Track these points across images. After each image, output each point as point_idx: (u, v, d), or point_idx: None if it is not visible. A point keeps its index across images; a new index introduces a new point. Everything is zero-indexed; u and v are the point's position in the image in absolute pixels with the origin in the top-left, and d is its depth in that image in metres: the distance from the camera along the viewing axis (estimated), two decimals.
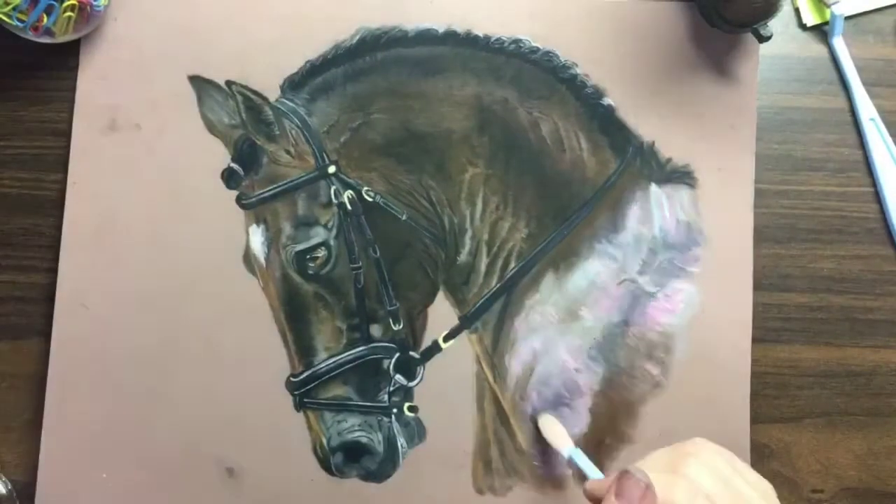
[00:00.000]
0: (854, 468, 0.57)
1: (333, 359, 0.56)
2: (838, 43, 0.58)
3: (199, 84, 0.58)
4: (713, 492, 0.43)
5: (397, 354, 0.57)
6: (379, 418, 0.56)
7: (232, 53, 0.59)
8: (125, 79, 0.59)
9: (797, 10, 0.59)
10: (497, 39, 0.58)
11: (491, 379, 0.57)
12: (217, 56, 0.59)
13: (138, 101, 0.59)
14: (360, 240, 0.57)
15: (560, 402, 0.57)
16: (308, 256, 0.56)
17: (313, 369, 0.56)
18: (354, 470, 0.57)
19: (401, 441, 0.56)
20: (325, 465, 0.57)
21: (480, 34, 0.58)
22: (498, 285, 0.57)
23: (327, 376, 0.56)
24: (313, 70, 0.58)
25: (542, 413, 0.56)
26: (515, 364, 0.57)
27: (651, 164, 0.57)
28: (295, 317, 0.57)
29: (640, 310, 0.57)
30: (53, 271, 0.58)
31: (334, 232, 0.57)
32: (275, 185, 0.57)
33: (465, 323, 0.57)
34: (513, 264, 0.57)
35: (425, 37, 0.58)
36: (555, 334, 0.57)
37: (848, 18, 0.58)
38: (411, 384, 0.57)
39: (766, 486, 0.45)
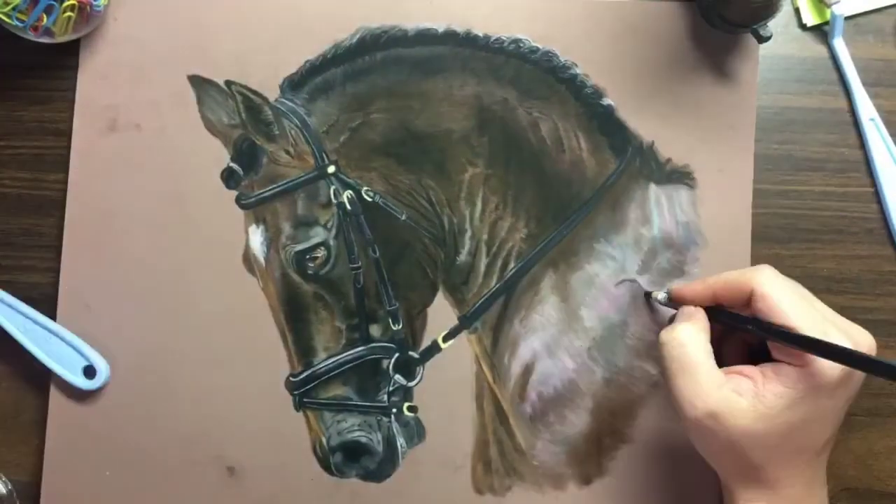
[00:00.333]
0: (854, 468, 0.57)
1: (333, 359, 0.56)
2: (838, 43, 0.58)
3: (199, 84, 0.58)
4: (804, 293, 0.48)
5: (397, 354, 0.57)
6: (378, 418, 0.56)
7: (232, 53, 0.59)
8: (125, 79, 0.59)
9: (797, 11, 0.59)
10: (497, 39, 0.58)
11: (490, 379, 0.57)
12: (217, 56, 0.59)
13: (138, 101, 0.59)
14: (360, 240, 0.57)
15: (559, 402, 0.57)
16: (307, 256, 0.56)
17: (313, 369, 0.56)
18: (354, 470, 0.57)
19: (400, 441, 0.56)
20: (325, 464, 0.57)
21: (480, 34, 0.58)
22: (497, 285, 0.57)
23: (327, 376, 0.56)
24: (313, 70, 0.58)
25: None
26: (515, 364, 0.57)
27: (650, 164, 0.57)
28: (294, 317, 0.57)
29: (640, 310, 0.57)
30: (54, 271, 0.58)
31: (334, 232, 0.57)
32: (274, 185, 0.57)
33: (465, 323, 0.57)
34: (512, 264, 0.57)
35: (425, 36, 0.58)
36: (554, 334, 0.57)
37: (848, 18, 0.58)
38: (411, 384, 0.57)
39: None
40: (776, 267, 0.57)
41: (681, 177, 0.57)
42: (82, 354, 0.57)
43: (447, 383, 0.57)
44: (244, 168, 0.58)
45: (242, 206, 0.58)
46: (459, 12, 0.58)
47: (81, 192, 0.59)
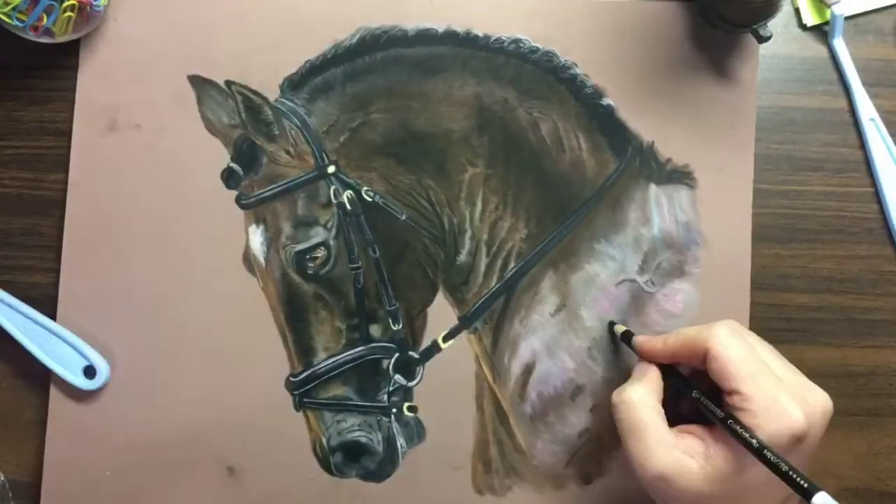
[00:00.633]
0: (854, 468, 0.57)
1: (333, 359, 0.56)
2: (838, 43, 0.58)
3: (199, 84, 0.58)
4: (760, 351, 0.47)
5: (397, 354, 0.57)
6: (378, 418, 0.56)
7: (232, 53, 0.59)
8: (125, 79, 0.59)
9: (797, 11, 0.59)
10: (497, 39, 0.58)
11: (490, 379, 0.57)
12: (217, 56, 0.59)
13: (138, 101, 0.59)
14: (360, 240, 0.57)
15: (560, 401, 0.57)
16: (307, 256, 0.56)
17: (313, 369, 0.56)
18: (354, 469, 0.57)
19: (400, 441, 0.56)
20: (325, 464, 0.57)
21: (480, 34, 0.58)
22: (497, 285, 0.57)
23: (327, 376, 0.56)
24: (313, 70, 0.58)
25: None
26: (515, 364, 0.57)
27: (650, 164, 0.57)
28: (294, 317, 0.57)
29: (640, 310, 0.57)
30: (54, 271, 0.58)
31: (334, 232, 0.57)
32: (274, 185, 0.57)
33: (465, 323, 0.57)
34: (512, 264, 0.57)
35: (425, 36, 0.58)
36: (554, 334, 0.57)
37: (848, 19, 0.58)
38: (411, 384, 0.57)
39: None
40: (776, 267, 0.57)
41: (681, 177, 0.57)
42: (82, 354, 0.57)
43: (447, 383, 0.57)
44: (244, 168, 0.58)
45: (242, 206, 0.58)
46: (459, 12, 0.58)
47: (81, 192, 0.59)
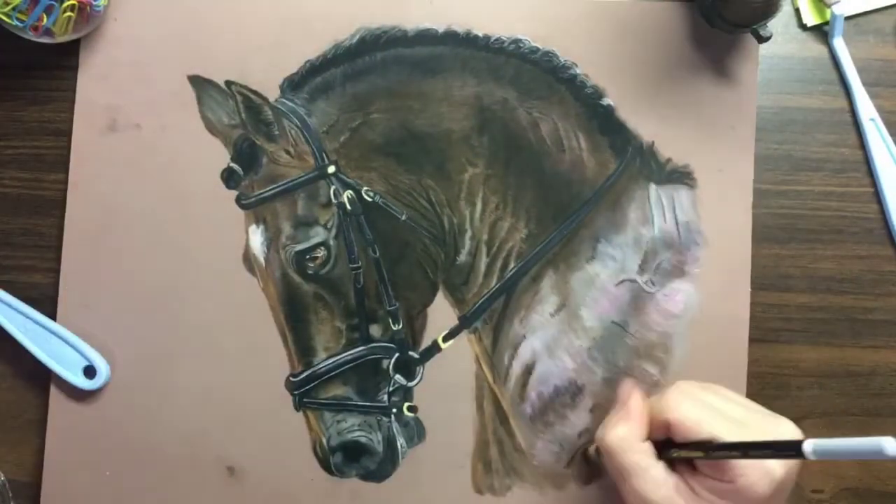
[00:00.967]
0: (854, 468, 0.57)
1: (333, 359, 0.56)
2: (838, 43, 0.58)
3: (199, 84, 0.58)
4: (717, 404, 0.46)
5: (397, 354, 0.57)
6: (378, 418, 0.56)
7: (232, 53, 0.59)
8: (125, 79, 0.59)
9: (797, 11, 0.59)
10: (497, 39, 0.58)
11: (490, 379, 0.57)
12: (217, 56, 0.59)
13: (138, 101, 0.59)
14: (360, 240, 0.57)
15: (560, 401, 0.57)
16: (307, 256, 0.56)
17: (313, 369, 0.56)
18: (354, 469, 0.57)
19: (400, 441, 0.56)
20: (325, 464, 0.57)
21: (480, 34, 0.58)
22: (497, 285, 0.57)
23: (327, 376, 0.56)
24: (313, 70, 0.58)
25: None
26: (515, 364, 0.57)
27: (651, 164, 0.57)
28: (294, 317, 0.57)
29: (640, 310, 0.57)
30: (54, 271, 0.58)
31: (334, 232, 0.57)
32: (274, 185, 0.57)
33: (465, 323, 0.57)
34: (512, 264, 0.57)
35: (425, 37, 0.58)
36: (554, 334, 0.57)
37: (848, 19, 0.58)
38: (411, 384, 0.57)
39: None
40: (776, 267, 0.57)
41: (681, 177, 0.57)
42: (82, 354, 0.57)
43: (447, 383, 0.57)
44: (244, 168, 0.58)
45: (242, 206, 0.58)
46: (459, 12, 0.58)
47: (81, 192, 0.59)
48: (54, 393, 0.58)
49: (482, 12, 0.58)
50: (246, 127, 0.57)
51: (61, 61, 0.60)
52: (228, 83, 0.58)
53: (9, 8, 0.54)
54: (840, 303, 0.57)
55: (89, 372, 0.57)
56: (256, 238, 0.57)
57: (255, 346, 0.57)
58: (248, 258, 0.58)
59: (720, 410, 0.45)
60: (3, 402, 0.59)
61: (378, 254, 0.57)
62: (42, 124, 0.60)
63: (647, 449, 0.46)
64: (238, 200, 0.58)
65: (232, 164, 0.58)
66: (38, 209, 0.59)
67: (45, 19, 0.55)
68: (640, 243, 0.57)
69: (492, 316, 0.57)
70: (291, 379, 0.57)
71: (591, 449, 0.54)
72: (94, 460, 0.58)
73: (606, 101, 0.58)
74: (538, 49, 0.58)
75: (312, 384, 0.56)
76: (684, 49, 0.58)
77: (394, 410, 0.57)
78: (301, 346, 0.57)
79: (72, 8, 0.55)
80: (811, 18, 0.59)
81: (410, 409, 0.57)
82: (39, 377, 0.58)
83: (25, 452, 0.59)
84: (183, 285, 0.58)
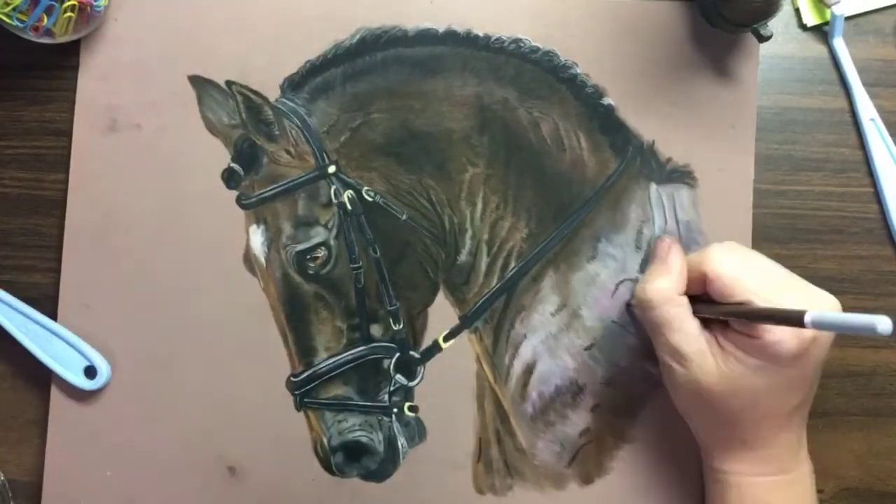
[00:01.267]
0: (854, 468, 0.57)
1: (333, 359, 0.56)
2: (839, 43, 0.58)
3: (199, 84, 0.58)
4: (758, 264, 0.49)
5: (397, 354, 0.57)
6: (379, 418, 0.56)
7: (232, 53, 0.59)
8: (125, 79, 0.59)
9: (797, 11, 0.59)
10: (497, 39, 0.58)
11: (491, 379, 0.57)
12: (217, 56, 0.59)
13: (138, 101, 0.59)
14: (361, 240, 0.57)
15: (561, 401, 0.57)
16: (308, 256, 0.56)
17: (313, 369, 0.56)
18: (355, 469, 0.57)
19: (401, 441, 0.56)
20: (326, 464, 0.57)
21: (480, 34, 0.58)
22: (498, 285, 0.57)
23: (327, 376, 0.56)
24: (313, 70, 0.58)
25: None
26: (516, 364, 0.57)
27: (651, 163, 0.57)
28: (295, 317, 0.57)
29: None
30: (54, 271, 0.58)
31: (334, 232, 0.57)
32: (275, 185, 0.57)
33: (466, 323, 0.57)
34: (513, 264, 0.57)
35: (425, 36, 0.58)
36: (555, 334, 0.57)
37: (848, 19, 0.58)
38: (411, 384, 0.57)
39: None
40: None
41: (681, 176, 0.57)
42: (83, 354, 0.57)
43: (448, 383, 0.57)
44: (245, 168, 0.58)
45: (243, 207, 0.58)
46: (460, 12, 0.58)
47: (81, 192, 0.59)
48: (55, 393, 0.58)
49: (482, 12, 0.58)
50: (246, 127, 0.57)
51: (61, 61, 0.60)
52: (229, 83, 0.58)
53: (9, 8, 0.54)
54: (840, 303, 0.57)
55: (90, 372, 0.57)
56: (257, 238, 0.57)
57: (255, 346, 0.57)
58: (248, 258, 0.58)
59: (761, 271, 0.48)
60: (3, 402, 0.59)
61: (379, 254, 0.57)
62: (42, 124, 0.60)
63: (685, 303, 0.49)
64: (238, 200, 0.58)
65: (232, 164, 0.58)
66: (38, 209, 0.59)
67: (45, 20, 0.55)
68: (641, 243, 0.57)
69: (492, 316, 0.57)
70: (292, 379, 0.57)
71: (632, 301, 0.55)
72: (94, 460, 0.58)
73: (607, 100, 0.58)
74: (538, 49, 0.58)
75: (313, 384, 0.56)
76: (684, 49, 0.58)
77: (395, 410, 0.57)
78: (302, 346, 0.57)
79: (72, 8, 0.55)
80: (811, 18, 0.59)
81: (411, 408, 0.57)
82: (40, 377, 0.58)
83: (26, 452, 0.59)
84: (184, 285, 0.58)
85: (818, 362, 0.48)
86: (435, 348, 0.57)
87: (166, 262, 0.58)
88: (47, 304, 0.58)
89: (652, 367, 0.56)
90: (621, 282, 0.57)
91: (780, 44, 0.58)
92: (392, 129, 0.58)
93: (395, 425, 0.56)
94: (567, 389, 0.57)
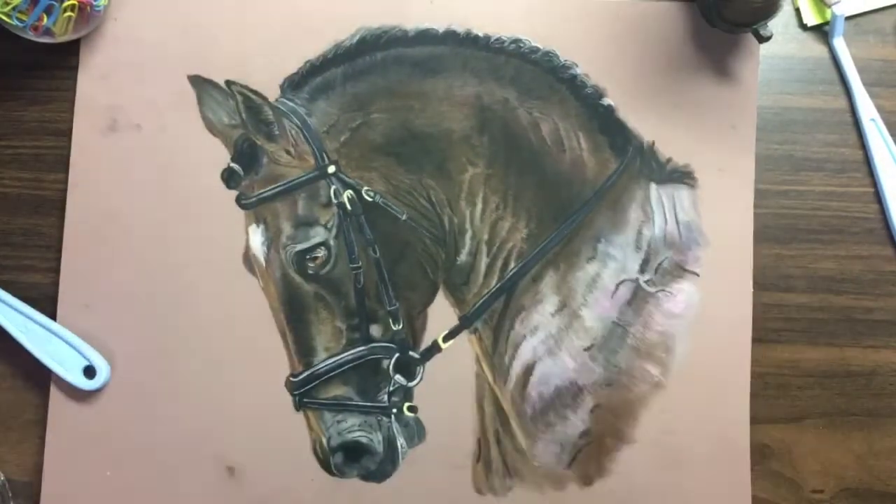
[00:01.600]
0: (854, 468, 0.57)
1: (333, 359, 0.56)
2: (839, 43, 0.58)
3: (199, 84, 0.58)
4: None
5: (397, 354, 0.57)
6: (379, 418, 0.56)
7: (232, 53, 0.59)
8: (125, 79, 0.59)
9: (797, 11, 0.59)
10: (497, 39, 0.58)
11: (491, 379, 0.57)
12: (217, 56, 0.59)
13: (138, 101, 0.59)
14: (360, 240, 0.57)
15: (560, 402, 0.57)
16: (308, 256, 0.56)
17: (313, 369, 0.56)
18: (354, 470, 0.57)
19: (400, 441, 0.56)
20: (325, 464, 0.57)
21: (480, 34, 0.58)
22: (498, 285, 0.57)
23: (327, 376, 0.56)
24: (313, 70, 0.58)
25: None
26: (516, 364, 0.57)
27: (651, 164, 0.57)
28: (295, 317, 0.57)
29: (641, 310, 0.57)
30: (54, 271, 0.58)
31: (334, 232, 0.57)
32: (275, 185, 0.57)
33: (465, 323, 0.57)
34: (513, 264, 0.57)
35: (425, 36, 0.58)
36: (555, 334, 0.57)
37: (848, 19, 0.58)
38: (411, 384, 0.57)
39: None
40: (776, 266, 0.58)
41: (681, 176, 0.57)
42: (82, 354, 0.57)
43: (447, 383, 0.57)
44: (244, 168, 0.58)
45: (243, 206, 0.58)
46: (460, 12, 0.58)
47: (81, 192, 0.59)
48: (54, 393, 0.58)
49: (482, 12, 0.58)
50: (246, 127, 0.57)
51: (61, 61, 0.60)
52: (229, 83, 0.58)
53: (9, 8, 0.54)
54: (840, 303, 0.58)
55: (89, 372, 0.57)
56: (257, 238, 0.57)
57: (255, 346, 0.57)
58: (248, 258, 0.58)
59: None
60: (3, 402, 0.59)
61: (378, 254, 0.57)
62: (42, 124, 0.60)
63: None
64: (238, 200, 0.58)
65: (232, 164, 0.58)
66: (38, 209, 0.59)
67: (45, 19, 0.55)
68: (641, 243, 0.57)
69: (492, 316, 0.57)
70: (292, 379, 0.57)
71: None
72: (94, 460, 0.57)
73: (607, 100, 0.58)
74: (538, 49, 0.58)
75: (313, 384, 0.56)
76: (685, 49, 0.58)
77: (394, 410, 0.57)
78: (301, 346, 0.57)
79: (72, 8, 0.55)
80: (811, 18, 0.59)
81: (411, 409, 0.57)
82: (39, 377, 0.58)
83: (25, 452, 0.59)
84: (183, 285, 0.58)
85: None
86: (434, 348, 0.57)
87: (166, 262, 0.58)
88: (47, 303, 0.58)
89: (652, 368, 0.56)
90: (621, 282, 0.57)
91: (781, 44, 0.58)
92: (392, 129, 0.58)
93: (395, 425, 0.56)
94: (567, 390, 0.56)
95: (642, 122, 0.58)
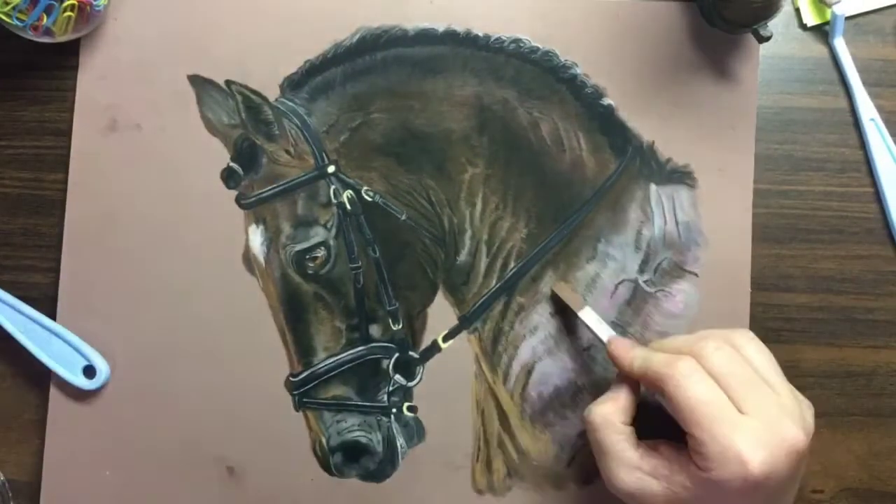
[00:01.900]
0: (854, 468, 0.57)
1: (333, 359, 0.56)
2: (839, 43, 0.58)
3: (199, 83, 0.58)
4: (725, 371, 0.45)
5: (396, 354, 0.57)
6: (378, 418, 0.56)
7: (232, 53, 0.59)
8: (125, 79, 0.59)
9: (797, 11, 0.59)
10: (497, 39, 0.58)
11: (490, 379, 0.57)
12: (217, 56, 0.59)
13: (138, 101, 0.59)
14: (360, 239, 0.57)
15: (560, 402, 0.57)
16: (307, 256, 0.56)
17: (312, 369, 0.56)
18: (354, 470, 0.57)
19: (400, 441, 0.56)
20: (325, 464, 0.57)
21: (480, 34, 0.58)
22: (497, 285, 0.57)
23: (326, 376, 0.56)
24: (313, 69, 0.58)
25: (557, 282, 0.56)
26: (515, 364, 0.57)
27: (651, 164, 0.57)
28: (294, 317, 0.57)
29: (640, 310, 0.57)
30: (53, 271, 0.58)
31: (334, 232, 0.57)
32: (274, 185, 0.57)
33: (465, 323, 0.57)
34: (512, 264, 0.57)
35: (425, 36, 0.58)
36: (554, 334, 0.57)
37: (848, 19, 0.58)
38: (410, 384, 0.57)
39: (799, 397, 0.47)
40: (776, 267, 0.57)
41: (681, 177, 0.57)
42: (82, 354, 0.57)
43: (447, 383, 0.57)
44: (244, 168, 0.58)
45: (242, 206, 0.58)
46: (459, 12, 0.58)
47: (81, 192, 0.59)
48: (54, 393, 0.58)
49: (482, 12, 0.58)
50: (246, 126, 0.57)
51: (61, 61, 0.60)
52: (228, 83, 0.58)
53: (9, 7, 0.54)
54: (840, 303, 0.57)
55: (89, 372, 0.57)
56: (256, 238, 0.57)
57: (254, 346, 0.57)
58: (247, 258, 0.58)
59: (717, 397, 0.45)
60: (3, 402, 0.59)
61: (378, 253, 0.57)
62: (42, 124, 0.60)
63: (627, 432, 0.48)
64: (238, 200, 0.58)
65: (232, 164, 0.58)
66: (38, 209, 0.59)
67: (45, 19, 0.55)
68: (641, 243, 0.57)
69: (492, 316, 0.57)
70: (291, 379, 0.57)
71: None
72: (93, 460, 0.58)
73: (606, 100, 0.58)
74: (538, 49, 0.58)
75: (312, 384, 0.56)
76: (684, 49, 0.58)
77: (393, 410, 0.57)
78: (301, 346, 0.57)
79: (72, 7, 0.55)
80: (811, 18, 0.59)
81: (410, 409, 0.57)
82: (39, 377, 0.58)
83: (25, 452, 0.59)
84: (183, 285, 0.58)
85: (776, 493, 0.45)
86: (434, 348, 0.57)
87: (165, 261, 0.58)
88: (47, 303, 0.58)
89: None
90: (621, 282, 0.57)
91: (781, 44, 0.58)
92: (392, 129, 0.58)
93: (394, 425, 0.56)
94: (566, 390, 0.56)
95: (642, 123, 0.58)
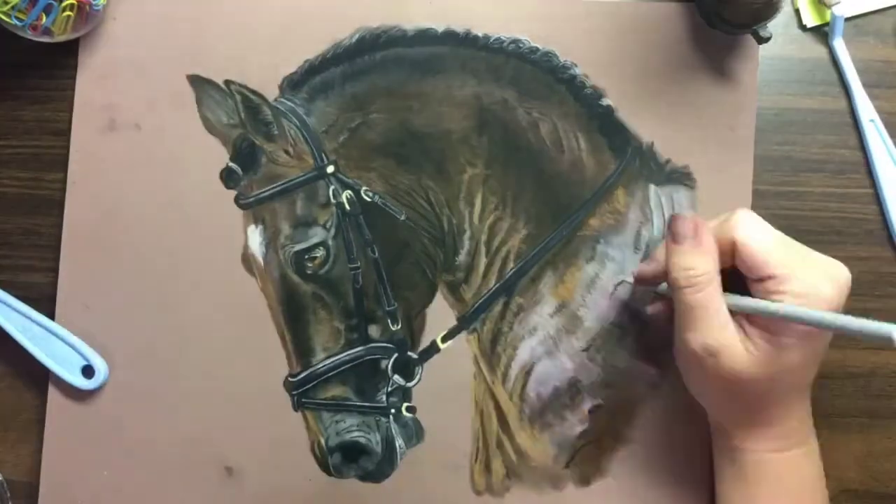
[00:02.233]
0: (853, 470, 0.57)
1: (331, 359, 0.56)
2: (838, 44, 0.58)
3: (198, 83, 0.58)
4: (778, 234, 0.48)
5: (395, 355, 0.57)
6: (377, 419, 0.56)
7: (231, 53, 0.59)
8: (124, 78, 0.59)
9: (797, 12, 0.59)
10: (496, 39, 0.58)
11: (489, 379, 0.57)
12: (216, 55, 0.59)
13: (138, 101, 0.59)
14: (359, 240, 0.57)
15: (558, 402, 0.57)
16: (306, 256, 0.56)
17: (311, 369, 0.56)
18: (352, 470, 0.57)
19: (399, 441, 0.56)
20: (324, 465, 0.57)
21: (480, 34, 0.58)
22: (496, 286, 0.57)
23: (325, 376, 0.56)
24: (312, 70, 0.58)
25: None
26: (514, 365, 0.57)
27: (650, 164, 0.57)
28: (293, 317, 0.57)
29: (639, 310, 0.57)
30: (53, 271, 0.58)
31: (333, 232, 0.57)
32: (273, 185, 0.57)
33: (464, 323, 0.57)
34: (511, 265, 0.57)
35: (424, 37, 0.58)
36: (553, 335, 0.57)
37: (848, 20, 0.58)
38: (409, 384, 0.57)
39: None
40: None
41: (680, 177, 0.57)
42: (81, 354, 0.57)
43: (446, 384, 0.57)
44: (243, 168, 0.58)
45: (241, 206, 0.58)
46: (459, 12, 0.58)
47: (81, 192, 0.59)
48: (53, 393, 0.58)
49: (482, 12, 0.58)
50: (245, 126, 0.57)
51: (60, 61, 0.60)
52: (228, 83, 0.58)
53: (8, 7, 0.54)
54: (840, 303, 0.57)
55: (88, 372, 0.57)
56: (255, 238, 0.57)
57: (253, 347, 0.57)
58: (246, 258, 0.58)
59: (781, 241, 0.48)
60: (2, 401, 0.59)
61: (377, 254, 0.57)
62: (41, 124, 0.60)
63: (719, 286, 0.47)
64: (237, 200, 0.58)
65: (231, 164, 0.58)
66: (38, 209, 0.59)
67: (44, 18, 0.55)
68: (640, 244, 0.57)
69: (491, 316, 0.57)
70: (290, 379, 0.57)
71: (662, 286, 0.52)
72: (92, 460, 0.58)
73: (606, 101, 0.58)
74: (538, 49, 0.58)
75: (311, 384, 0.56)
76: (684, 49, 0.58)
77: (392, 411, 0.57)
78: (300, 347, 0.57)
79: (71, 7, 0.55)
80: (811, 19, 0.59)
81: (409, 409, 0.57)
82: (38, 377, 0.58)
83: (24, 452, 0.59)
84: (182, 285, 0.58)
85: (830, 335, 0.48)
86: (433, 349, 0.57)
87: (164, 261, 0.58)
88: (45, 303, 0.58)
89: (650, 368, 0.56)
90: (620, 283, 0.57)
91: (780, 45, 0.58)
92: (391, 129, 0.58)
93: (393, 426, 0.56)
94: (565, 391, 0.56)
95: (641, 123, 0.57)
